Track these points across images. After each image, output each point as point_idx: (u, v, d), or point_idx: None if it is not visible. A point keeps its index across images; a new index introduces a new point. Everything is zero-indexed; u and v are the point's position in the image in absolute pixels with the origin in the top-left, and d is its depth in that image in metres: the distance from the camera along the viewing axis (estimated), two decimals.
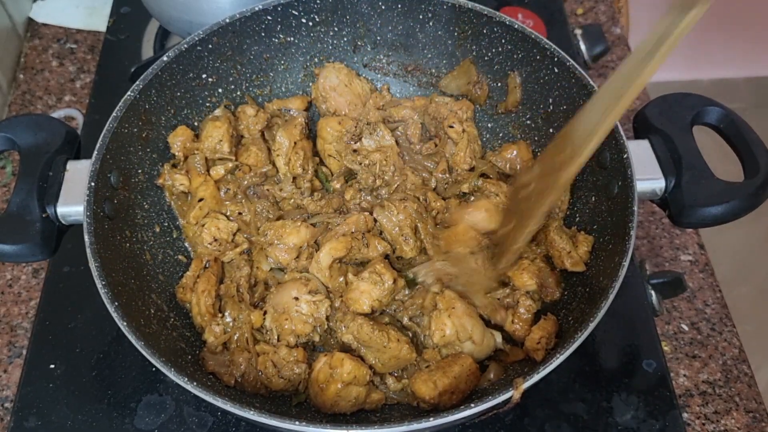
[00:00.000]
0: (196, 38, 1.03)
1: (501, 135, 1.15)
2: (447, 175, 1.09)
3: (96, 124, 1.26)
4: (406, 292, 0.98)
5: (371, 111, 1.11)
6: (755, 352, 1.20)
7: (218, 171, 1.05)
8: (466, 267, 0.97)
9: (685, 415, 1.03)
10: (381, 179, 1.05)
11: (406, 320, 0.97)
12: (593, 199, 1.00)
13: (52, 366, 1.02)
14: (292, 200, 1.06)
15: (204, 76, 1.08)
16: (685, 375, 1.07)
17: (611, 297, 0.82)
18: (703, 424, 1.02)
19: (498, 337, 0.96)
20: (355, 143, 1.08)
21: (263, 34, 1.10)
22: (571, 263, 0.96)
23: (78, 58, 1.46)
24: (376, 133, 1.07)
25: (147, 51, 1.42)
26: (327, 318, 0.95)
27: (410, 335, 0.96)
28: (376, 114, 1.10)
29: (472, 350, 0.92)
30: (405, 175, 1.06)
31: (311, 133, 1.14)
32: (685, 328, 1.12)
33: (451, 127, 1.10)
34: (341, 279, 0.98)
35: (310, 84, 1.17)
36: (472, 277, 0.97)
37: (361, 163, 1.06)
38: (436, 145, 1.11)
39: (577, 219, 1.02)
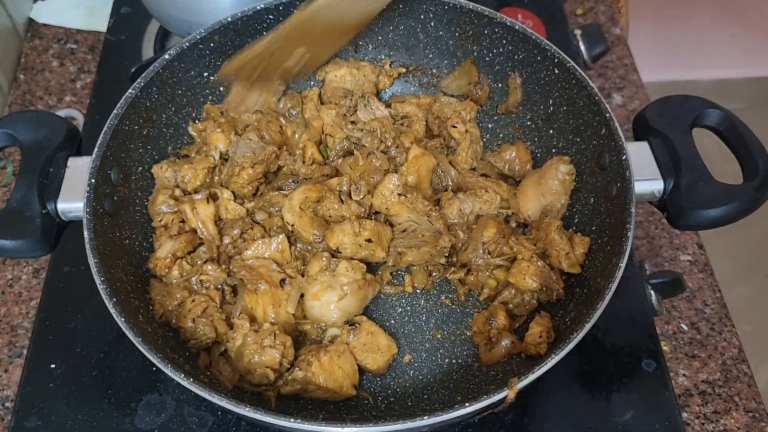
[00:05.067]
0: (198, 36, 1.04)
1: (501, 136, 1.16)
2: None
3: (96, 124, 1.25)
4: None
5: (365, 84, 1.13)
6: (754, 352, 1.20)
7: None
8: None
9: (684, 414, 1.03)
10: (384, 144, 1.07)
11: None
12: (592, 200, 1.00)
13: (53, 366, 1.02)
14: (285, 168, 1.07)
15: (205, 74, 1.08)
16: (684, 375, 1.07)
17: (607, 298, 0.82)
18: (703, 424, 1.02)
19: None
20: (352, 115, 1.10)
21: (265, 33, 1.09)
22: (568, 264, 0.96)
23: (78, 59, 1.47)
24: (371, 105, 1.10)
25: (147, 51, 1.42)
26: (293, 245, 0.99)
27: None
28: (370, 86, 1.13)
29: None
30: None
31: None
32: (685, 327, 1.12)
33: (455, 127, 1.11)
34: (315, 233, 0.98)
35: (311, 83, 1.17)
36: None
37: (362, 129, 1.08)
38: (441, 144, 1.11)
39: (576, 220, 1.03)
